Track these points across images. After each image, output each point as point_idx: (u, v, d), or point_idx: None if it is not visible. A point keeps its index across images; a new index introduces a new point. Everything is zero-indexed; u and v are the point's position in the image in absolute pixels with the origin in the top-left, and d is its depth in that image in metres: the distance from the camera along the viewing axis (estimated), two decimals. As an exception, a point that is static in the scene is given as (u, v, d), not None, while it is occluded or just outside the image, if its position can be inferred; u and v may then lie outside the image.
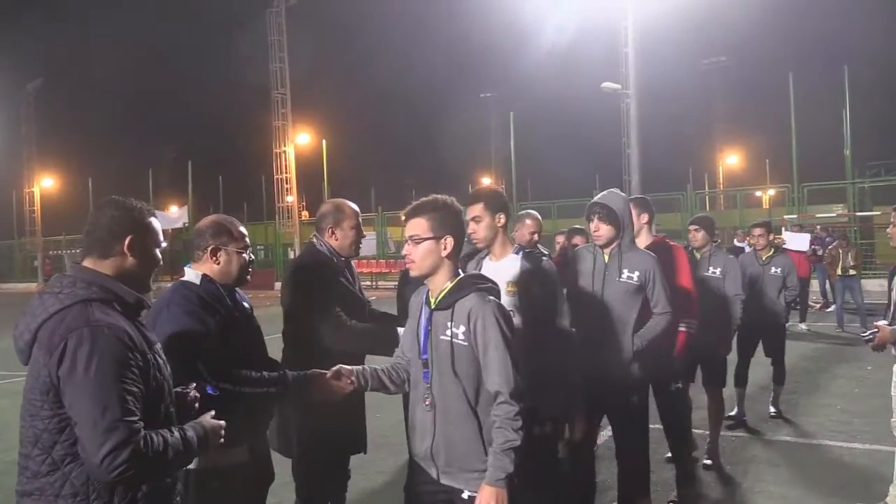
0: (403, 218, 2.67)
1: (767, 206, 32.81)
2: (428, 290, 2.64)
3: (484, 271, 3.33)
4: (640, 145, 17.22)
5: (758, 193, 37.26)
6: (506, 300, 3.18)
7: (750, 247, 6.75)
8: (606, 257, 3.84)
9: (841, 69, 24.21)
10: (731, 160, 51.57)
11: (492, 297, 2.54)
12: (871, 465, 5.32)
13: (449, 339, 2.51)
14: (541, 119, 48.09)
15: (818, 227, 17.54)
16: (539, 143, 43.68)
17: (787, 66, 25.07)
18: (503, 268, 3.41)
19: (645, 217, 4.60)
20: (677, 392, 4.71)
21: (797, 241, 13.22)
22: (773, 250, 6.70)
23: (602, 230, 3.81)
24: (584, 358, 3.64)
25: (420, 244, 2.53)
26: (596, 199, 3.90)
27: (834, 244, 13.32)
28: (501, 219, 3.43)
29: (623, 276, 3.77)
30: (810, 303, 14.31)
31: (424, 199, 2.61)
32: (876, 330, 4.12)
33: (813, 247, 13.98)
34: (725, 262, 5.57)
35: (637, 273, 3.77)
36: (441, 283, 2.56)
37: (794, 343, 11.12)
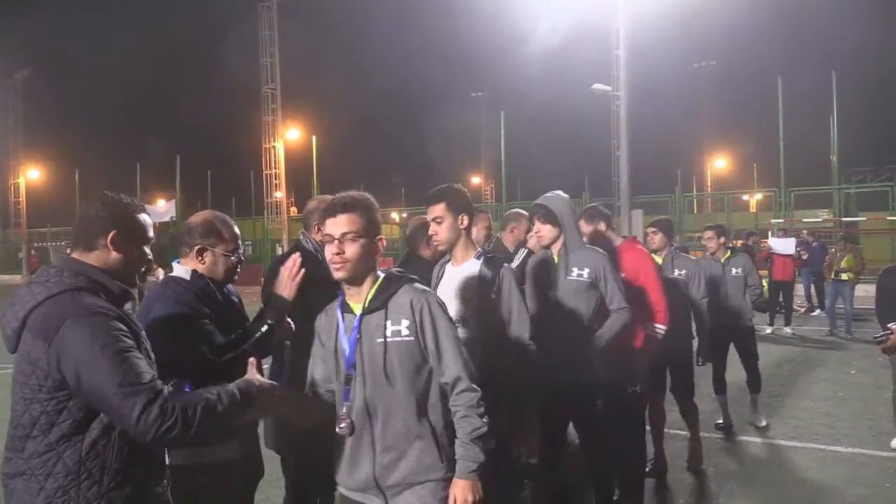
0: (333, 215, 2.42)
1: (754, 210, 33.04)
2: (343, 300, 2.43)
3: (445, 278, 3.26)
4: (629, 147, 17.24)
5: (745, 197, 37.48)
6: (457, 308, 3.10)
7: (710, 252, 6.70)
8: (556, 258, 3.82)
9: (829, 74, 24.41)
10: (720, 164, 51.85)
11: (426, 287, 2.43)
12: (853, 467, 5.38)
13: (384, 340, 2.31)
14: (531, 119, 48.26)
15: (804, 231, 17.65)
16: (529, 143, 43.82)
17: (776, 71, 25.30)
18: (463, 273, 3.21)
19: (602, 225, 4.61)
20: (634, 396, 4.36)
21: (783, 246, 13.33)
22: (729, 251, 6.65)
23: (543, 231, 3.81)
24: (542, 363, 3.47)
25: (355, 242, 2.32)
26: (537, 200, 3.91)
27: (838, 247, 13.22)
28: (465, 220, 3.20)
29: (573, 273, 3.72)
30: (795, 306, 14.41)
31: (356, 194, 2.42)
32: (889, 332, 4.19)
33: (798, 250, 14.08)
34: (689, 265, 5.57)
35: (587, 270, 3.72)
36: (367, 285, 2.37)
37: (778, 346, 11.25)
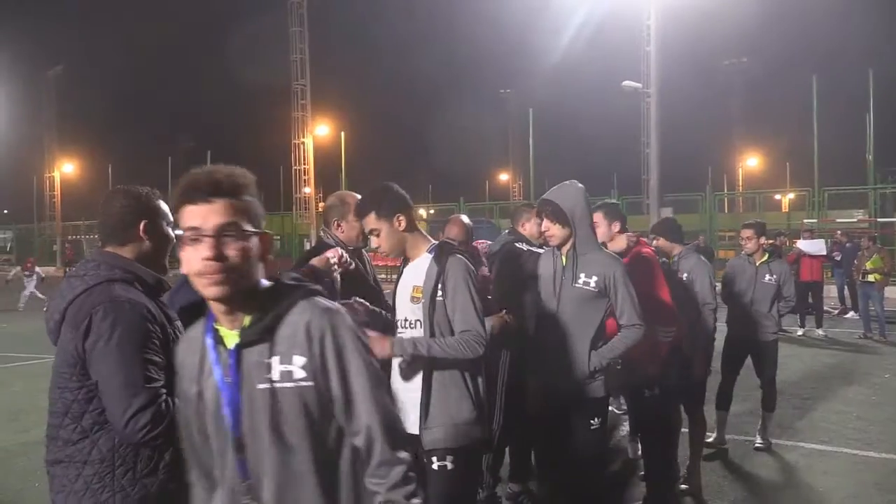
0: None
1: (787, 210, 32.56)
2: (212, 325, 1.63)
3: (402, 278, 2.96)
4: (659, 145, 17.06)
5: (777, 197, 36.96)
6: (409, 307, 2.87)
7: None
8: (564, 259, 3.46)
9: (866, 72, 23.94)
10: (751, 162, 51.17)
11: (324, 301, 1.65)
12: (887, 473, 5.26)
13: (270, 386, 1.57)
14: (560, 116, 47.99)
15: (838, 232, 17.32)
16: (557, 140, 43.59)
17: (810, 68, 24.93)
18: (416, 270, 2.91)
19: (616, 225, 4.31)
20: (653, 399, 4.23)
21: (812, 247, 13.11)
22: (767, 254, 5.89)
23: (552, 230, 3.45)
24: (536, 370, 3.45)
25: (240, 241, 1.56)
26: (545, 195, 3.53)
27: (864, 247, 12.96)
28: (402, 221, 2.88)
29: (579, 280, 3.38)
30: (827, 308, 14.16)
31: (231, 170, 1.63)
32: None
33: (832, 251, 13.82)
34: (693, 266, 5.11)
35: (595, 278, 3.36)
36: (243, 303, 1.59)
37: (809, 349, 11.07)
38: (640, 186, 26.05)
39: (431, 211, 34.76)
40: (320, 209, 33.92)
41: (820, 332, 12.53)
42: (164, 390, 2.02)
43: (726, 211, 34.74)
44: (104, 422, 2.04)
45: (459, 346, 2.71)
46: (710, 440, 5.67)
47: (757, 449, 5.73)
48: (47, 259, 41.49)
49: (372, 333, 2.53)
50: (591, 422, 3.41)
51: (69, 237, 41.25)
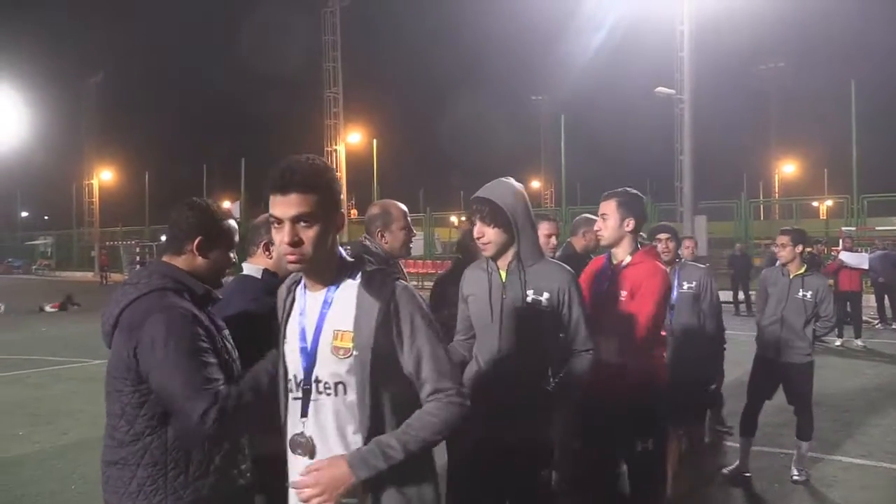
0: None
1: (825, 217, 31.96)
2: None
3: (306, 311, 2.14)
4: (693, 151, 16.88)
5: (815, 203, 36.31)
6: (329, 361, 2.30)
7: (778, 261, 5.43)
8: (503, 274, 2.80)
9: (906, 77, 23.43)
10: (788, 168, 50.37)
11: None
12: (929, 489, 5.12)
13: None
14: (592, 123, 47.73)
15: (876, 240, 16.93)
16: (590, 147, 43.34)
17: (849, 73, 24.47)
18: (336, 304, 2.27)
19: (630, 223, 3.39)
20: (646, 455, 3.27)
21: (855, 260, 12.90)
22: (804, 266, 5.20)
23: (489, 235, 2.76)
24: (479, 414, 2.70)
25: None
26: (478, 193, 2.83)
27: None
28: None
29: (528, 297, 2.74)
30: (867, 318, 13.85)
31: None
32: None
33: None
34: (701, 277, 4.84)
35: (547, 294, 2.74)
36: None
37: (848, 360, 10.84)
38: (674, 194, 25.73)
39: (463, 217, 34.79)
40: (353, 216, 34.12)
41: (859, 342, 12.27)
42: (223, 386, 2.08)
43: (762, 218, 34.27)
44: (156, 426, 2.11)
45: (437, 422, 1.86)
46: (729, 469, 5.37)
47: (795, 482, 5.18)
48: (86, 264, 42.36)
49: (315, 463, 1.87)
50: (544, 473, 2.80)
51: (106, 243, 42.09)
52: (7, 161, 46.10)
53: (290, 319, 2.00)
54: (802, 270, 5.17)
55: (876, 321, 14.91)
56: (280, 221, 1.83)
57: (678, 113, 21.13)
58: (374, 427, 1.86)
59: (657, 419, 3.34)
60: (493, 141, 56.22)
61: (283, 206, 1.82)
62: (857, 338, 12.37)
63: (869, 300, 14.31)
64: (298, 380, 1.94)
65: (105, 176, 47.42)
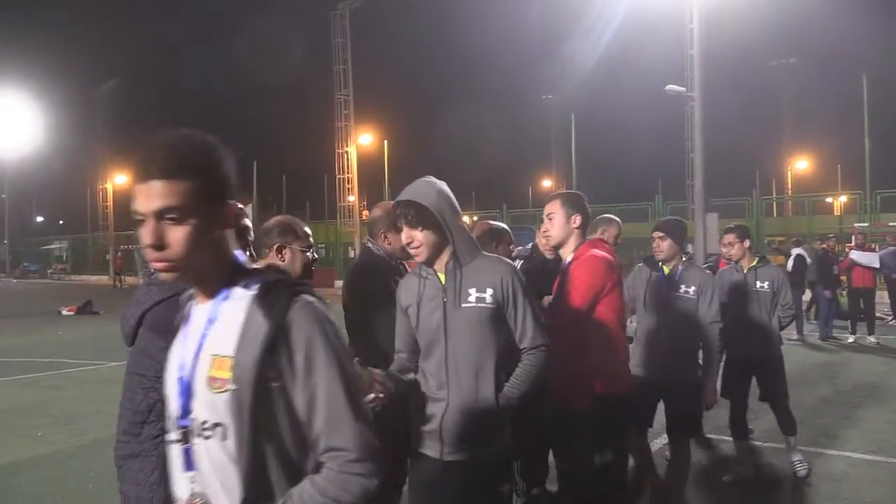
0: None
1: (838, 213, 31.74)
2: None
3: (189, 331, 1.85)
4: (704, 149, 16.82)
5: (828, 200, 36.05)
6: (204, 398, 2.19)
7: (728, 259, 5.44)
8: (442, 277, 2.58)
9: (919, 71, 23.26)
10: (801, 165, 50.02)
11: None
12: (940, 484, 5.12)
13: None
14: (603, 121, 47.64)
15: (888, 236, 16.82)
16: (600, 145, 43.27)
17: (861, 68, 24.29)
18: (221, 323, 1.89)
19: (577, 219, 3.34)
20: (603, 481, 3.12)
21: (867, 259, 12.89)
22: (755, 259, 5.31)
23: (418, 238, 2.54)
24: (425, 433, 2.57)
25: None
26: (400, 196, 2.60)
27: None
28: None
29: (470, 298, 2.52)
30: (880, 314, 13.77)
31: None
32: None
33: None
34: (702, 280, 4.39)
35: (490, 290, 2.53)
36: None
37: (860, 356, 10.83)
38: (686, 191, 25.70)
39: (475, 217, 34.83)
40: (364, 217, 34.26)
41: (872, 339, 12.24)
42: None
43: (774, 215, 34.09)
44: None
45: (324, 502, 1.36)
46: (731, 476, 5.27)
47: (800, 476, 5.16)
48: (101, 268, 42.71)
49: None
50: (501, 489, 2.60)
51: (121, 247, 42.42)
52: (22, 167, 46.70)
53: (176, 341, 1.53)
54: (755, 263, 5.29)
55: (889, 317, 14.85)
56: (143, 217, 1.37)
57: (689, 110, 21.08)
58: (255, 490, 1.37)
59: (610, 429, 3.15)
60: (504, 140, 56.26)
61: (143, 196, 1.36)
62: (870, 334, 12.35)
63: (882, 296, 14.23)
64: (174, 417, 1.47)
65: (119, 180, 47.80)
